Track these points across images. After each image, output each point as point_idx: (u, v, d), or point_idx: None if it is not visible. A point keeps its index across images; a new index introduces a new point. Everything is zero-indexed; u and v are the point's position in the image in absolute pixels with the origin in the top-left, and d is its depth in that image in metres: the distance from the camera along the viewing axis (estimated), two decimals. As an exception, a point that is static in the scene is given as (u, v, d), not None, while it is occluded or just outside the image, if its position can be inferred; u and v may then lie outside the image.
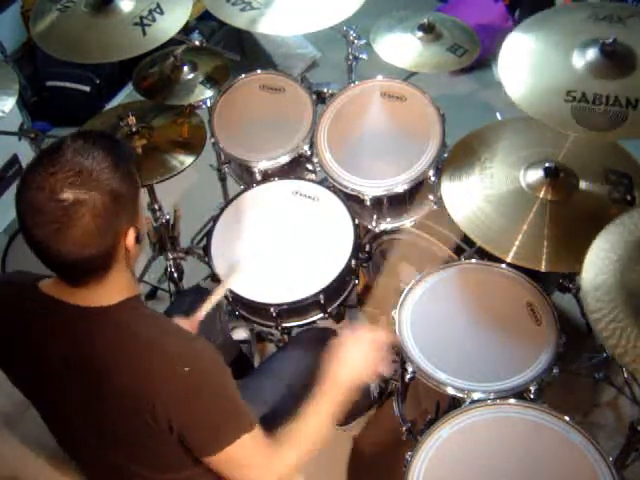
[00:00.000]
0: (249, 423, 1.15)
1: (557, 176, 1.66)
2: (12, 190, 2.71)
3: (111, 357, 1.09)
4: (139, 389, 1.07)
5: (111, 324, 1.10)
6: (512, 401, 1.43)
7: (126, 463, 1.23)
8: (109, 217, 1.03)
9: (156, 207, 2.10)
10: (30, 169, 1.02)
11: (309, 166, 1.98)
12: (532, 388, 1.48)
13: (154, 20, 1.76)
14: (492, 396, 1.47)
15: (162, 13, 1.78)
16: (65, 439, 1.31)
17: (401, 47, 1.95)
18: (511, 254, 1.58)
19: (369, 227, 1.90)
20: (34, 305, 1.13)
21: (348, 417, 2.02)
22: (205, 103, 2.05)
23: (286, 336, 1.88)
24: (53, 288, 1.12)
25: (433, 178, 1.79)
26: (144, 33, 1.74)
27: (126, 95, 3.17)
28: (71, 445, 1.32)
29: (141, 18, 1.76)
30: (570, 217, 1.63)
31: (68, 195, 0.98)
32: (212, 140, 2.02)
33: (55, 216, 0.99)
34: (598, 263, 1.30)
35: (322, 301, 1.72)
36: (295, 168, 2.00)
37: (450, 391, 1.50)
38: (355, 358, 1.33)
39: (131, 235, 1.08)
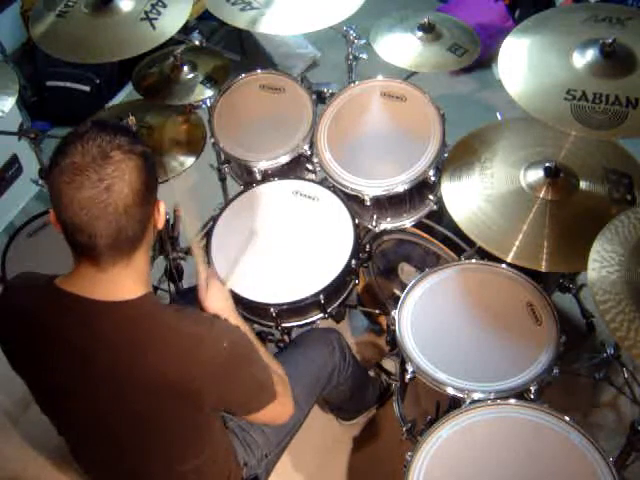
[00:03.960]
0: (272, 373, 1.28)
1: (557, 176, 1.66)
2: (12, 190, 2.73)
3: (141, 351, 1.10)
4: (179, 378, 1.11)
5: (136, 318, 1.12)
6: (512, 401, 1.43)
7: (145, 462, 1.27)
8: (149, 178, 1.08)
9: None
10: (65, 145, 1.04)
11: (309, 166, 1.98)
12: (532, 388, 1.48)
13: (159, 14, 1.78)
14: (492, 396, 1.47)
15: (165, 6, 1.80)
16: (81, 445, 1.32)
17: (401, 47, 1.95)
18: (511, 254, 1.58)
19: (369, 227, 1.90)
20: (55, 305, 1.13)
21: (354, 412, 2.03)
22: (205, 103, 2.05)
23: (286, 336, 1.88)
24: (72, 284, 1.12)
25: (433, 178, 1.78)
26: (153, 27, 1.75)
27: (126, 95, 3.17)
28: (86, 451, 1.33)
29: (146, 13, 1.77)
30: (570, 217, 1.63)
31: (117, 153, 1.03)
32: (212, 140, 2.02)
33: (105, 173, 1.02)
34: (604, 257, 1.31)
35: (322, 301, 1.72)
36: (295, 168, 2.00)
37: (450, 391, 1.49)
38: (217, 295, 1.38)
39: (162, 207, 1.14)
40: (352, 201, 1.85)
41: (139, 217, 1.07)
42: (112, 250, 1.07)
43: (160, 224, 1.16)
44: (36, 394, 1.24)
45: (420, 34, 1.95)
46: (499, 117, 2.01)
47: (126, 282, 1.11)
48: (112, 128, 1.07)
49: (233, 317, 1.38)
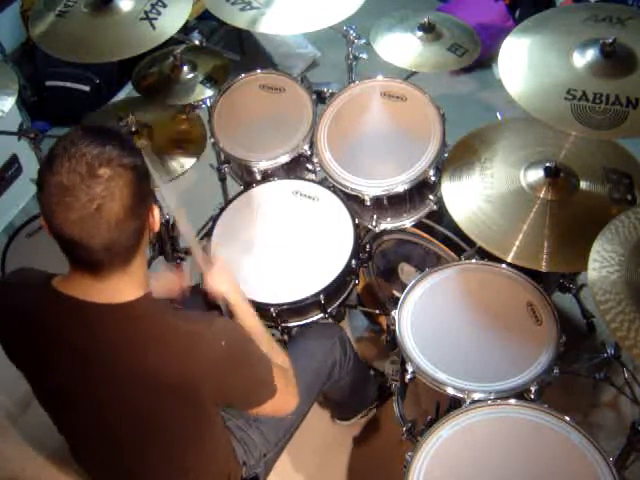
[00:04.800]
0: (274, 367, 1.27)
1: (557, 176, 1.66)
2: (12, 190, 2.73)
3: (141, 351, 1.10)
4: (179, 377, 1.11)
5: (135, 319, 1.12)
6: (512, 401, 1.43)
7: (146, 462, 1.28)
8: (141, 190, 1.06)
9: (156, 207, 2.09)
10: (52, 159, 1.01)
11: (309, 166, 1.97)
12: (532, 388, 1.48)
13: (159, 14, 1.78)
14: (492, 396, 1.46)
15: (165, 6, 1.80)
16: (82, 444, 1.32)
17: (401, 47, 1.95)
18: (511, 254, 1.58)
19: (369, 227, 1.90)
20: (55, 307, 1.13)
21: (353, 411, 2.03)
22: (205, 103, 2.05)
23: (286, 336, 1.88)
24: (69, 286, 1.11)
25: (433, 178, 1.78)
26: (153, 27, 1.75)
27: (126, 95, 3.16)
28: (87, 451, 1.33)
29: (146, 13, 1.77)
30: (570, 217, 1.63)
31: (105, 170, 1.00)
32: (212, 140, 2.01)
33: (95, 194, 0.99)
34: (604, 257, 1.30)
35: (322, 301, 1.72)
36: (295, 168, 2.00)
37: (450, 391, 1.49)
38: (221, 276, 1.43)
39: (156, 212, 1.13)
40: (352, 201, 1.85)
41: (133, 229, 1.06)
42: (108, 261, 1.07)
43: (156, 227, 1.15)
44: (37, 392, 1.24)
45: (420, 34, 1.95)
46: (499, 117, 2.01)
47: (124, 287, 1.11)
48: (101, 137, 1.03)
49: (239, 298, 1.38)
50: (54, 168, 1.00)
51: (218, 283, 1.39)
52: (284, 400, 1.32)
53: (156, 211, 1.14)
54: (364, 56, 2.11)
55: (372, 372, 2.09)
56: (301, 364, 1.61)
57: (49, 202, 1.01)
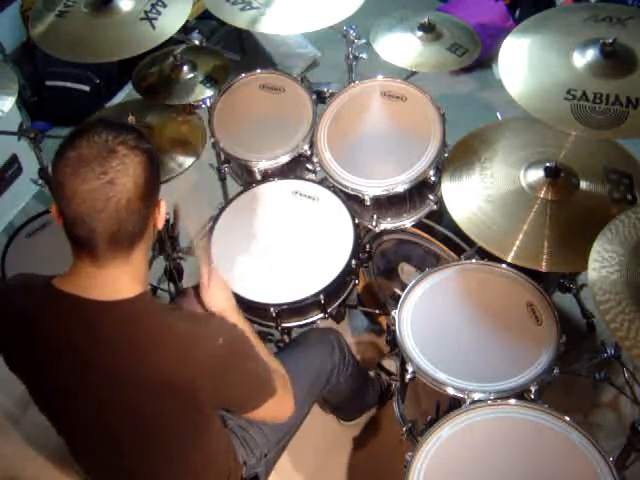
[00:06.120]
0: (272, 371, 1.27)
1: (557, 176, 1.66)
2: (12, 190, 2.73)
3: (141, 350, 1.11)
4: (178, 376, 1.11)
5: (134, 317, 1.12)
6: (512, 401, 1.43)
7: (145, 461, 1.28)
8: (153, 174, 1.09)
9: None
10: (72, 138, 1.06)
11: (309, 166, 1.97)
12: (532, 388, 1.48)
13: (159, 14, 1.78)
14: (492, 396, 1.46)
15: (165, 6, 1.80)
16: (82, 444, 1.32)
17: (401, 47, 1.94)
18: (511, 254, 1.58)
19: (369, 227, 1.90)
20: (56, 307, 1.13)
21: (356, 412, 2.03)
22: (205, 103, 2.05)
23: (286, 336, 1.88)
24: (71, 284, 1.12)
25: (433, 178, 1.78)
26: (153, 27, 1.76)
27: (126, 95, 3.16)
28: (87, 451, 1.33)
29: (146, 13, 1.77)
30: (570, 217, 1.63)
31: (122, 148, 1.05)
32: (212, 140, 2.02)
33: (109, 166, 1.03)
34: (604, 257, 1.31)
35: (322, 301, 1.72)
36: (295, 168, 2.00)
37: (450, 391, 1.49)
38: (219, 294, 1.41)
39: (163, 206, 1.16)
40: (352, 201, 1.85)
41: (140, 213, 1.07)
42: (111, 245, 1.07)
43: (160, 224, 1.16)
44: (35, 394, 1.24)
45: (420, 34, 1.95)
46: (499, 117, 2.01)
47: (124, 279, 1.11)
48: (119, 126, 1.09)
49: (235, 316, 1.38)
50: (74, 143, 1.04)
51: (215, 301, 1.39)
52: (282, 404, 1.32)
53: (163, 206, 1.15)
54: (364, 56, 2.11)
55: (372, 373, 2.09)
56: (300, 368, 1.61)
57: (63, 173, 1.03)
